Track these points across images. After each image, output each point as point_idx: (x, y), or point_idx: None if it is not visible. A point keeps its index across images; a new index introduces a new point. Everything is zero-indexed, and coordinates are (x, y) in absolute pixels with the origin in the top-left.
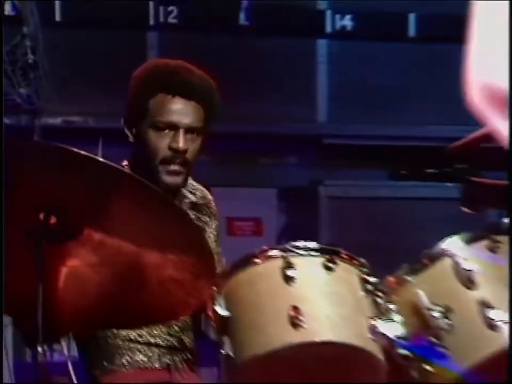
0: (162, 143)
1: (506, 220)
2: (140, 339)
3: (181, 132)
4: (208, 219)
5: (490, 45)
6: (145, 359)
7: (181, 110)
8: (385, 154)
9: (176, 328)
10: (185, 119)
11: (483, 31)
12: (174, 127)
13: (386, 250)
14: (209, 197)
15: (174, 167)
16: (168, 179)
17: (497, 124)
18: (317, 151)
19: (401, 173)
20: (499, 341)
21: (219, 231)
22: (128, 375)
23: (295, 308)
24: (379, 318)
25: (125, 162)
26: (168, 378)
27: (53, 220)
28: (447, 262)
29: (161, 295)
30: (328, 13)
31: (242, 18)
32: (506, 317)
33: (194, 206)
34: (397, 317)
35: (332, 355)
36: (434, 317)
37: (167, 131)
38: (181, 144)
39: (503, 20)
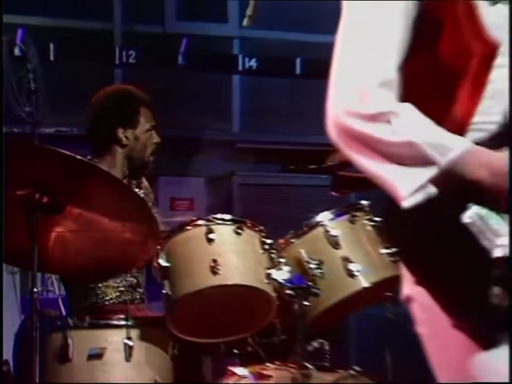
0: (150, 141)
1: (363, 202)
2: (110, 281)
3: (154, 131)
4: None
5: (346, 84)
6: (113, 296)
7: (151, 116)
8: (280, 154)
9: (134, 270)
10: (154, 122)
11: (339, 73)
12: (152, 128)
13: (279, 222)
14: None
15: (153, 157)
16: (152, 166)
17: (350, 156)
18: (232, 152)
19: (290, 167)
20: (356, 285)
21: (151, 197)
22: (100, 308)
23: (214, 260)
24: (273, 268)
25: (88, 157)
26: (126, 310)
27: (45, 199)
28: (320, 229)
29: (121, 252)
30: (240, 56)
31: (180, 59)
32: (361, 268)
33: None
34: (285, 267)
35: (240, 294)
36: (311, 268)
37: (150, 133)
38: (159, 139)
39: (356, 60)
